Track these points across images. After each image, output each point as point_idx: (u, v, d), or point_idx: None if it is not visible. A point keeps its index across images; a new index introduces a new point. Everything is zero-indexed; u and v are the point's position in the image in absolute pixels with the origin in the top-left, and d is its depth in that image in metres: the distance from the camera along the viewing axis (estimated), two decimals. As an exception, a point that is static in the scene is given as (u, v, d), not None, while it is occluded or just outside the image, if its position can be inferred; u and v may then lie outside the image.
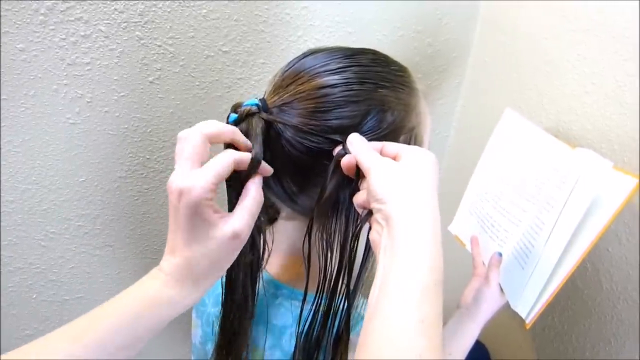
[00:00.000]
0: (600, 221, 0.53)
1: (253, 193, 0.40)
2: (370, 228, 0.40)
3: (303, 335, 0.45)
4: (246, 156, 0.40)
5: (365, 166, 0.38)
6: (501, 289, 0.64)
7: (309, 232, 0.44)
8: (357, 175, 0.40)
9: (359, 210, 0.41)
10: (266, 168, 0.42)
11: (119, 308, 0.38)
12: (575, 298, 0.72)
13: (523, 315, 0.58)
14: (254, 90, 0.87)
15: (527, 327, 0.58)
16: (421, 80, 0.49)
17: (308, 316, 0.45)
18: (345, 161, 0.40)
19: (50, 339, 0.37)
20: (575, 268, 0.54)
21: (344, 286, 0.43)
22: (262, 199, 0.41)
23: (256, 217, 0.40)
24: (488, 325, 0.64)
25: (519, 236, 0.62)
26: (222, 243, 0.37)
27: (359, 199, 0.40)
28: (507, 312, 0.63)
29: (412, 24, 0.90)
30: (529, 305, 0.57)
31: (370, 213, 0.40)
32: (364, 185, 0.40)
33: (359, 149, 0.40)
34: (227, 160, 0.38)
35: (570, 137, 0.71)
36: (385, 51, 0.48)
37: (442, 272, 0.34)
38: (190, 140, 0.37)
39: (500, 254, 0.64)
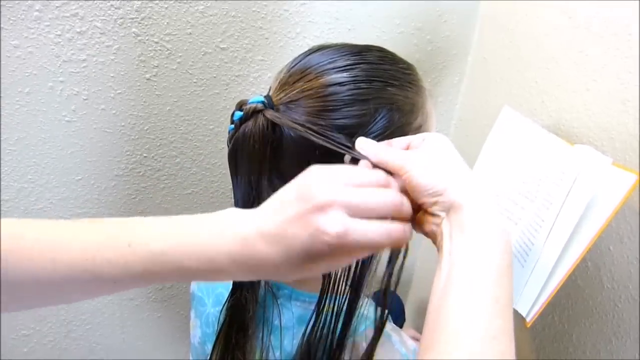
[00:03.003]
0: (600, 218, 0.53)
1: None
2: None
3: (307, 336, 0.44)
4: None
5: (395, 165, 0.37)
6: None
7: None
8: None
9: None
10: None
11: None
12: (576, 297, 0.72)
13: (523, 314, 0.58)
14: (252, 87, 0.87)
15: (528, 325, 0.57)
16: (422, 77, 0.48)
17: (312, 317, 0.44)
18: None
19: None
20: (576, 266, 0.54)
21: (347, 287, 0.42)
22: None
23: None
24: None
25: (519, 234, 0.61)
26: None
27: None
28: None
29: (412, 20, 0.89)
30: (529, 303, 0.57)
31: None
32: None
33: (376, 151, 0.38)
34: (381, 244, 0.32)
35: (572, 134, 0.70)
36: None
37: (512, 253, 0.34)
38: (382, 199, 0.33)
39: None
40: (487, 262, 0.32)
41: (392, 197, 0.33)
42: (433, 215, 0.36)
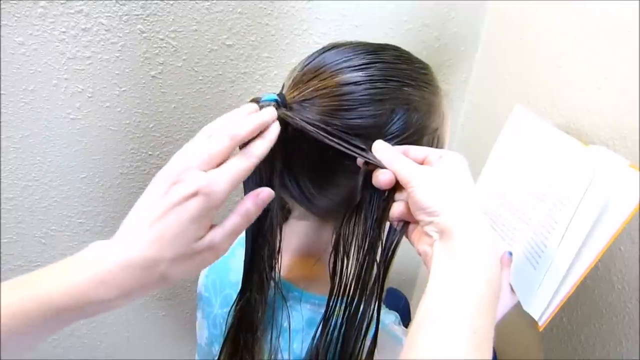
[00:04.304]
0: (616, 221, 0.52)
1: (247, 211, 0.36)
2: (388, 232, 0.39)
3: (316, 340, 0.43)
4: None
5: (404, 178, 0.36)
6: (512, 289, 0.63)
7: (336, 238, 0.42)
8: (393, 188, 0.39)
9: (394, 223, 0.40)
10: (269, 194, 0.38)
11: (36, 295, 0.32)
12: (586, 298, 0.71)
13: (536, 317, 0.57)
14: (258, 85, 0.86)
15: (541, 329, 0.57)
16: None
17: (322, 320, 0.43)
18: (385, 178, 0.37)
19: None
20: (590, 269, 0.53)
21: (358, 291, 0.41)
22: (254, 218, 0.37)
23: (239, 235, 0.37)
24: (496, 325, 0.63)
25: (530, 235, 0.61)
26: (195, 254, 0.34)
27: (395, 211, 0.39)
28: (514, 312, 0.62)
29: (420, 17, 0.88)
30: (542, 306, 0.56)
31: (406, 224, 0.39)
32: (400, 197, 0.39)
33: (390, 159, 0.38)
34: (248, 168, 0.35)
35: (582, 134, 0.69)
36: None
37: (500, 287, 0.34)
38: (218, 141, 0.35)
39: (511, 253, 0.63)
40: (470, 291, 0.32)
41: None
42: (427, 235, 0.36)
